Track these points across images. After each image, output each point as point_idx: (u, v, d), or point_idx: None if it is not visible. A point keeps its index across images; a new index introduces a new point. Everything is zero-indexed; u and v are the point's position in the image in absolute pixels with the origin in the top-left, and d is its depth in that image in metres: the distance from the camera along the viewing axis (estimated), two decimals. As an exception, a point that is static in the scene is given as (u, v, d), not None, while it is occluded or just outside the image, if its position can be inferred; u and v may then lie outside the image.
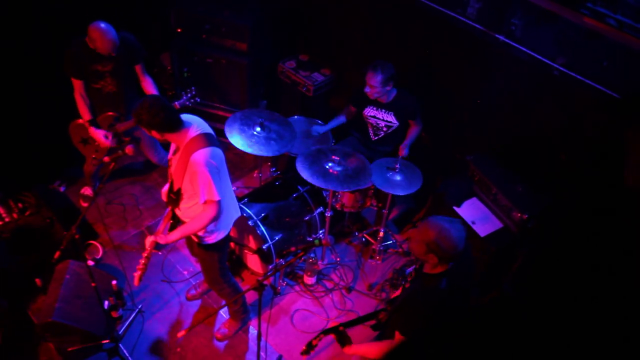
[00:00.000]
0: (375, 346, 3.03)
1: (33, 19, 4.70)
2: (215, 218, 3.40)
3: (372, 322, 3.28)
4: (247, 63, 5.28)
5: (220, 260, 3.82)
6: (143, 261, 3.61)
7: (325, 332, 3.12)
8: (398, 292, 3.34)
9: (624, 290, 3.57)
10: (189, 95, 4.48)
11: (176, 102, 4.42)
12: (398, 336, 2.87)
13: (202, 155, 3.25)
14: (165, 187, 3.66)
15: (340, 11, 5.30)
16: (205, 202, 3.32)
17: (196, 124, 3.36)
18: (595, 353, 3.72)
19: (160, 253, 4.79)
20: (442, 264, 2.78)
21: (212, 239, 3.63)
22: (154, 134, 3.25)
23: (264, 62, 5.68)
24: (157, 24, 5.58)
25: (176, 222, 3.67)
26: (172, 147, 3.48)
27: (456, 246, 2.68)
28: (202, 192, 3.29)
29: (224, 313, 4.44)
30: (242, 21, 5.11)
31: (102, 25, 4.09)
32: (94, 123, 4.46)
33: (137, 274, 3.62)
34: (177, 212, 3.59)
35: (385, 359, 2.94)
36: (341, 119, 5.00)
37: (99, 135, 4.46)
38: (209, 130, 3.41)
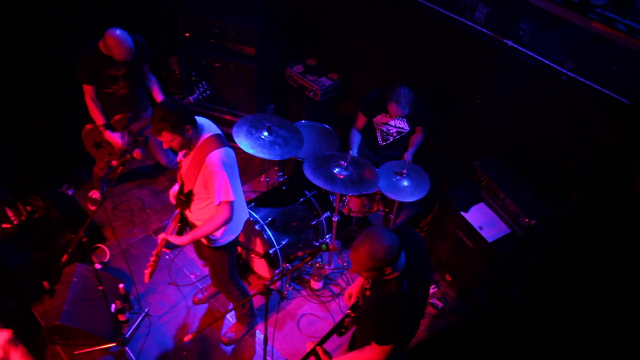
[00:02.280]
0: (355, 357, 2.99)
1: (43, 25, 4.74)
2: (229, 219, 3.40)
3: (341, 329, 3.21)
4: (254, 67, 5.29)
5: (230, 263, 3.82)
6: (153, 258, 3.61)
7: (305, 358, 3.06)
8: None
9: (634, 297, 3.55)
10: (202, 89, 4.60)
11: (190, 98, 4.53)
12: (375, 346, 2.84)
13: (217, 155, 3.26)
14: (174, 189, 3.66)
15: (348, 15, 5.30)
16: (220, 204, 3.32)
17: (207, 125, 3.38)
18: (603, 357, 3.69)
19: (169, 252, 4.79)
20: (395, 269, 2.73)
21: (222, 241, 3.63)
22: (177, 138, 3.19)
23: (272, 67, 5.68)
24: (165, 28, 5.61)
25: (184, 224, 3.67)
26: (182, 150, 3.49)
27: (392, 247, 2.63)
28: (218, 193, 3.29)
29: (230, 317, 4.43)
30: (249, 25, 5.13)
31: (118, 32, 4.12)
32: (108, 126, 4.48)
33: (147, 271, 3.62)
34: (188, 214, 3.60)
35: None
36: (359, 138, 4.87)
37: (115, 138, 4.49)
38: (219, 131, 3.43)
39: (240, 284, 4.00)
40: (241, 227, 3.75)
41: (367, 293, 2.97)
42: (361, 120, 4.80)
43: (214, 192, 3.29)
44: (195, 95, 4.58)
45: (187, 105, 3.28)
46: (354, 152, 4.75)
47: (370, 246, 2.62)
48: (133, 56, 4.30)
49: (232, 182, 3.33)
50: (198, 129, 3.30)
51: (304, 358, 3.02)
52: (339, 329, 3.11)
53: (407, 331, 2.96)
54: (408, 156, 4.72)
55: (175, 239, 3.54)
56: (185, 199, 3.49)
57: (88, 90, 4.37)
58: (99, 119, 4.44)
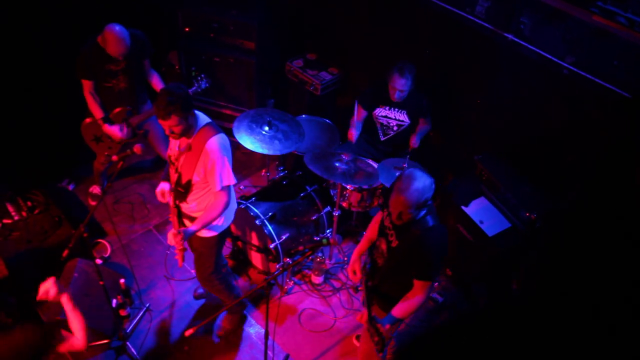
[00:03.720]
0: (409, 303, 3.11)
1: (43, 20, 4.73)
2: (228, 203, 3.45)
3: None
4: (254, 62, 5.28)
5: (217, 253, 3.83)
6: (178, 254, 3.54)
7: (373, 328, 3.14)
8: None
9: (635, 292, 3.55)
10: (201, 82, 4.55)
11: (189, 90, 4.43)
12: (421, 284, 3.03)
13: (216, 141, 3.31)
14: (161, 187, 3.63)
15: (348, 10, 5.29)
16: (222, 189, 3.36)
17: (200, 115, 3.42)
18: (603, 354, 3.70)
19: (171, 247, 4.76)
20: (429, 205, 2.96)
21: (215, 229, 3.64)
22: (183, 122, 3.20)
23: (272, 61, 5.67)
24: (165, 23, 5.60)
25: (179, 219, 3.67)
26: (172, 143, 3.49)
27: (432, 185, 2.86)
28: (221, 178, 3.34)
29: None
30: (249, 20, 5.11)
31: (117, 28, 4.12)
32: (107, 120, 4.47)
33: (178, 256, 3.56)
34: (184, 205, 3.60)
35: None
36: (360, 127, 4.88)
37: (114, 130, 4.48)
38: (210, 119, 3.47)
39: (225, 277, 3.99)
40: (232, 217, 3.76)
41: (394, 244, 3.07)
42: (360, 113, 4.78)
43: (216, 178, 3.33)
44: (194, 88, 4.54)
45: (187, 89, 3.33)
46: (355, 131, 4.76)
47: (418, 184, 2.82)
48: (132, 50, 4.29)
49: (231, 166, 3.40)
50: (197, 118, 3.36)
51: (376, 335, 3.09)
52: (370, 292, 3.24)
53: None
54: (414, 139, 4.68)
55: (186, 232, 3.49)
56: (184, 190, 3.50)
57: (87, 85, 4.37)
58: (97, 112, 4.44)
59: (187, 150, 3.37)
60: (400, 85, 4.40)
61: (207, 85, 4.62)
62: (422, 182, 2.83)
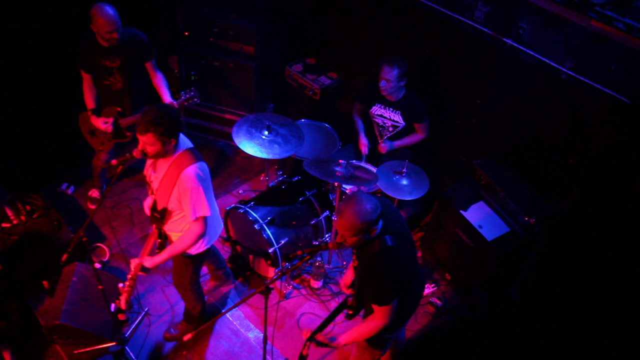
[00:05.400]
0: (363, 327, 3.06)
1: (41, 20, 4.73)
2: (203, 234, 3.38)
3: (347, 312, 3.29)
4: (254, 66, 5.30)
5: (194, 271, 3.79)
6: (128, 283, 3.46)
7: (310, 339, 3.11)
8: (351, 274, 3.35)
9: (633, 296, 3.55)
10: (187, 96, 4.31)
11: (174, 102, 4.37)
12: (377, 308, 2.92)
13: (193, 171, 3.21)
14: (148, 201, 3.58)
15: (347, 14, 5.30)
16: (196, 219, 3.29)
17: (181, 139, 3.31)
18: (604, 357, 3.70)
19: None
20: (376, 230, 2.82)
21: (192, 251, 3.58)
22: (157, 145, 3.10)
23: (271, 66, 5.68)
24: (165, 27, 5.61)
25: (164, 240, 3.64)
26: (148, 162, 3.42)
27: (376, 206, 2.75)
28: (194, 209, 3.25)
29: (230, 316, 4.44)
30: (249, 24, 5.13)
31: (106, 6, 4.05)
32: (95, 112, 4.50)
33: (123, 297, 3.44)
34: (162, 227, 3.56)
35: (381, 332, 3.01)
36: (361, 121, 4.96)
37: (99, 123, 4.50)
38: (192, 144, 3.38)
39: (198, 289, 3.98)
40: (215, 239, 3.70)
41: (356, 264, 3.01)
42: (358, 108, 4.89)
43: (190, 208, 3.24)
44: (180, 100, 4.31)
45: (179, 118, 3.23)
46: (363, 136, 4.86)
47: (356, 208, 2.71)
48: (129, 49, 4.30)
49: (208, 197, 3.30)
50: (178, 144, 3.25)
51: (310, 339, 3.07)
52: (341, 310, 3.16)
53: (404, 283, 2.99)
54: (385, 144, 4.74)
55: (149, 261, 3.44)
56: (160, 216, 3.42)
57: (85, 78, 4.42)
58: (89, 103, 4.48)
59: (163, 176, 3.27)
60: (385, 73, 4.42)
61: (197, 101, 4.36)
62: (361, 206, 2.71)
